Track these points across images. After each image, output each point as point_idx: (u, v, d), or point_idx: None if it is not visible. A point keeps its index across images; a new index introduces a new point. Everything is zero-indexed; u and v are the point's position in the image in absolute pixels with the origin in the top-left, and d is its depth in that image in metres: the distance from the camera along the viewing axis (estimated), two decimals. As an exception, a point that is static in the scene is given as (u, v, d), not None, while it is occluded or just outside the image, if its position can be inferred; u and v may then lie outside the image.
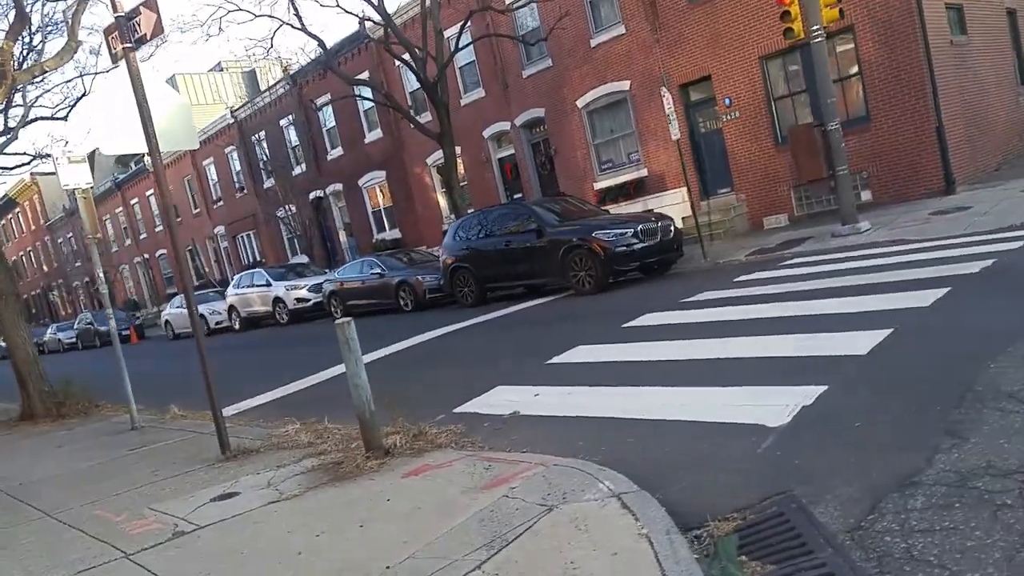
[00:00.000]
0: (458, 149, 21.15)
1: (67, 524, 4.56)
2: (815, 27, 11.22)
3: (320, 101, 24.83)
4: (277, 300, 19.27)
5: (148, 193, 38.28)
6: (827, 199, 14.27)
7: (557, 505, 3.42)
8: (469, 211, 16.13)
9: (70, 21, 9.27)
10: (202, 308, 22.67)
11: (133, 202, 40.19)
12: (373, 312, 16.19)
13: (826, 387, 4.39)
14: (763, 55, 14.52)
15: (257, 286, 20.17)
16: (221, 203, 33.12)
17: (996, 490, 2.81)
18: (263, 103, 28.20)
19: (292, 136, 27.96)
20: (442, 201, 22.50)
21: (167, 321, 24.76)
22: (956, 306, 5.64)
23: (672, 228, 11.83)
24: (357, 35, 18.59)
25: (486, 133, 20.57)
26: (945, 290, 6.11)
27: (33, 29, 11.79)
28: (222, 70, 41.47)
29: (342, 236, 27.39)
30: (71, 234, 46.34)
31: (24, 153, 23.45)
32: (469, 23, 17.20)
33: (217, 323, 22.04)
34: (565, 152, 18.82)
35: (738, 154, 15.35)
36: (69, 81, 54.66)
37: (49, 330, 36.02)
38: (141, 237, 40.40)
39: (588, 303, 10.66)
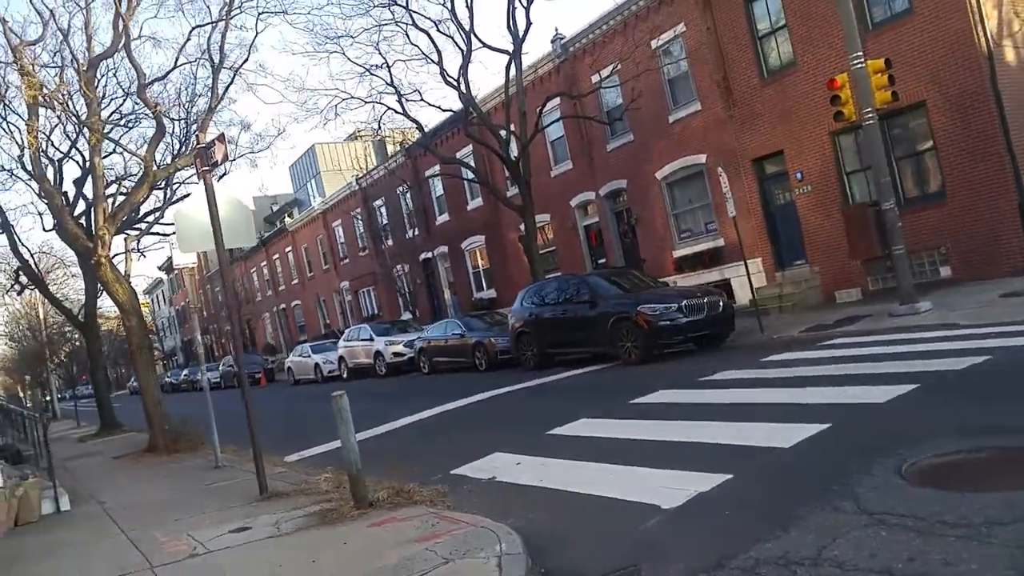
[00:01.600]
0: (547, 216, 22.55)
1: (130, 540, 5.93)
2: (867, 110, 11.45)
3: (428, 172, 27.09)
4: (378, 354, 21.08)
5: (287, 250, 42.52)
6: (913, 271, 14.00)
7: (455, 559, 4.27)
8: (547, 277, 17.15)
9: (195, 135, 11.46)
10: (318, 357, 25.09)
11: (275, 258, 44.69)
12: (454, 369, 17.46)
13: (731, 476, 4.94)
14: (833, 130, 14.64)
15: (362, 340, 22.14)
16: (347, 260, 36.22)
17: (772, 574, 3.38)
18: (383, 172, 30.98)
19: (407, 202, 30.46)
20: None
21: (289, 367, 27.41)
22: (903, 406, 5.92)
23: (721, 304, 12.23)
24: (455, 118, 20.42)
25: (573, 202, 21.68)
26: (912, 387, 6.35)
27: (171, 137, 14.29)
28: (356, 139, 45.55)
29: (447, 294, 29.25)
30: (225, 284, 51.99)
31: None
32: (559, 101, 18.53)
33: (329, 371, 24.20)
34: (646, 221, 19.50)
35: (811, 227, 15.42)
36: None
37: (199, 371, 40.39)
38: (280, 289, 44.69)
39: (627, 374, 11.27)
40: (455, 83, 17.80)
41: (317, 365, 24.71)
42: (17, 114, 12.85)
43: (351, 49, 17.61)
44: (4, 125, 13.06)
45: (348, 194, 34.30)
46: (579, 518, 4.85)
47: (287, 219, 43.61)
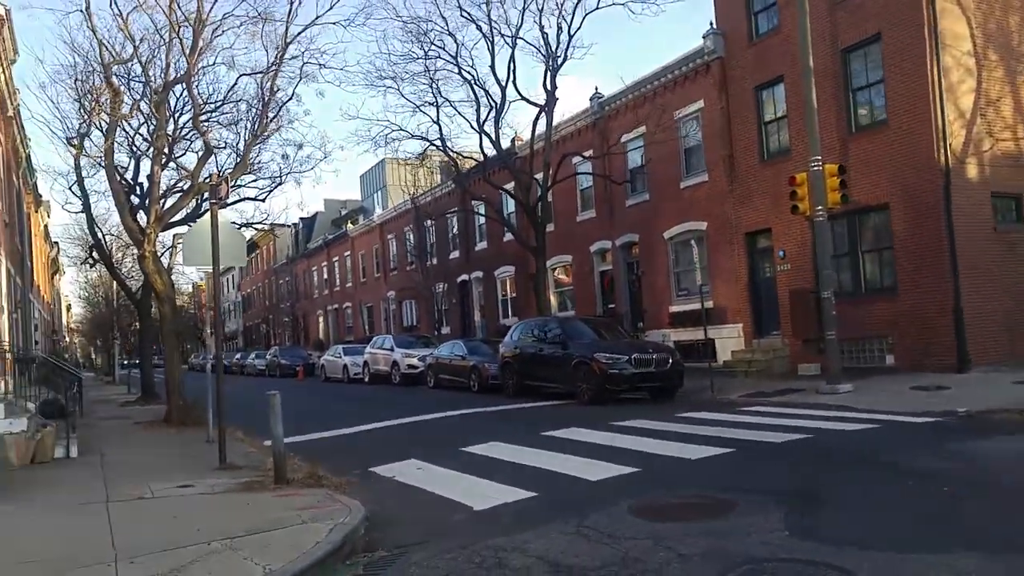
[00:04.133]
0: (569, 257, 24.29)
1: (105, 484, 7.96)
2: (819, 207, 12.78)
3: (473, 201, 29.19)
4: (395, 363, 23.14)
5: (346, 254, 45.49)
6: (859, 356, 15.10)
7: (308, 523, 6.03)
8: (560, 315, 18.82)
9: (241, 152, 13.78)
10: (347, 359, 27.37)
11: (335, 260, 47.76)
12: (454, 387, 19.30)
13: (536, 494, 6.59)
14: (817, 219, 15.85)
15: (384, 349, 24.27)
16: (395, 272, 38.71)
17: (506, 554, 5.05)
18: (436, 195, 33.31)
19: (453, 225, 32.68)
20: (552, 299, 25.41)
21: (322, 365, 29.85)
22: (702, 463, 7.41)
23: (670, 361, 13.67)
24: (495, 157, 22.29)
25: (592, 248, 23.31)
26: (728, 451, 7.80)
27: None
28: (423, 158, 48.17)
29: (477, 316, 31.20)
30: (287, 278, 55.61)
31: (231, 222, 30.15)
32: (591, 152, 20.33)
33: (355, 374, 26.40)
34: (651, 275, 20.94)
35: (786, 302, 16.58)
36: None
37: (250, 356, 43.57)
38: (335, 289, 47.68)
39: (572, 411, 12.83)
40: (487, 133, 19.80)
41: (345, 366, 26.97)
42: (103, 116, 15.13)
43: (406, 86, 19.99)
44: (91, 131, 15.53)
45: (404, 211, 36.82)
46: (418, 509, 6.58)
47: (350, 225, 46.57)
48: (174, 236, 20.07)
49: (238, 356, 46.19)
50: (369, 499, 6.89)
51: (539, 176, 20.19)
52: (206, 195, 13.31)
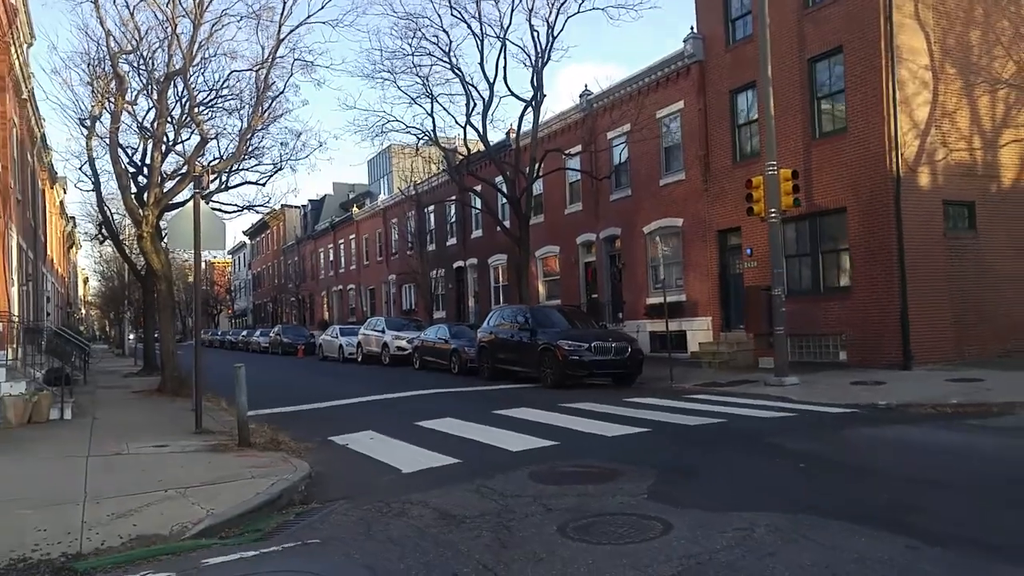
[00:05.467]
0: (557, 248, 25.14)
1: (89, 442, 8.97)
2: (772, 209, 13.54)
3: (472, 188, 30.02)
4: (385, 345, 24.15)
5: (351, 237, 46.53)
6: (816, 351, 15.89)
7: (256, 478, 6.99)
8: (550, 303, 19.70)
9: (235, 144, 14.75)
10: (343, 340, 28.43)
11: (340, 242, 48.83)
12: (437, 369, 20.27)
13: (460, 461, 7.52)
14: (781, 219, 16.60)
15: (376, 331, 25.29)
16: (396, 256, 39.71)
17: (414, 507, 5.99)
18: (436, 183, 34.18)
19: (451, 213, 33.57)
20: (540, 288, 26.31)
21: (320, 344, 30.94)
22: (616, 440, 8.30)
23: (629, 349, 14.54)
24: (481, 152, 23.12)
25: (578, 240, 24.13)
26: (644, 431, 8.69)
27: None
28: (430, 143, 48.94)
29: (471, 301, 32.14)
30: (295, 259, 56.80)
31: (234, 204, 31.05)
32: (579, 147, 21.15)
33: (349, 354, 27.46)
34: (631, 267, 21.75)
35: (753, 298, 17.34)
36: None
37: (256, 334, 44.83)
38: (340, 271, 48.79)
39: (533, 393, 13.76)
40: (475, 127, 20.62)
41: (340, 346, 28.04)
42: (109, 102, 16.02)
43: (402, 78, 20.73)
44: (102, 114, 16.45)
45: (406, 197, 37.72)
46: (357, 471, 7.53)
47: (355, 209, 47.56)
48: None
49: (244, 333, 47.45)
50: (318, 461, 7.86)
51: (528, 169, 21.00)
52: (207, 179, 14.28)
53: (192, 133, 17.52)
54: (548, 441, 8.32)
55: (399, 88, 23.67)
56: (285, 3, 14.38)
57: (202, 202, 10.04)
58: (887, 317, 14.32)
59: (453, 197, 31.69)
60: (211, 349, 50.19)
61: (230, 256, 79.11)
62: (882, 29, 14.02)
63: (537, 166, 20.51)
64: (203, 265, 62.87)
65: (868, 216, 14.65)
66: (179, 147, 17.67)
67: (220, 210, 23.09)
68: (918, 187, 14.50)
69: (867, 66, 14.37)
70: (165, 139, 15.20)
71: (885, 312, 14.35)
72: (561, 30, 20.56)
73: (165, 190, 14.58)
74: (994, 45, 15.35)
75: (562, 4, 18.79)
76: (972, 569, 3.93)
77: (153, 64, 16.36)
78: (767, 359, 16.83)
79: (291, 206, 61.15)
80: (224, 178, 20.25)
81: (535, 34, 19.79)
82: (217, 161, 18.52)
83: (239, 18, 15.22)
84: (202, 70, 17.60)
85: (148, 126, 16.25)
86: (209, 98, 17.76)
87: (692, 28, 18.98)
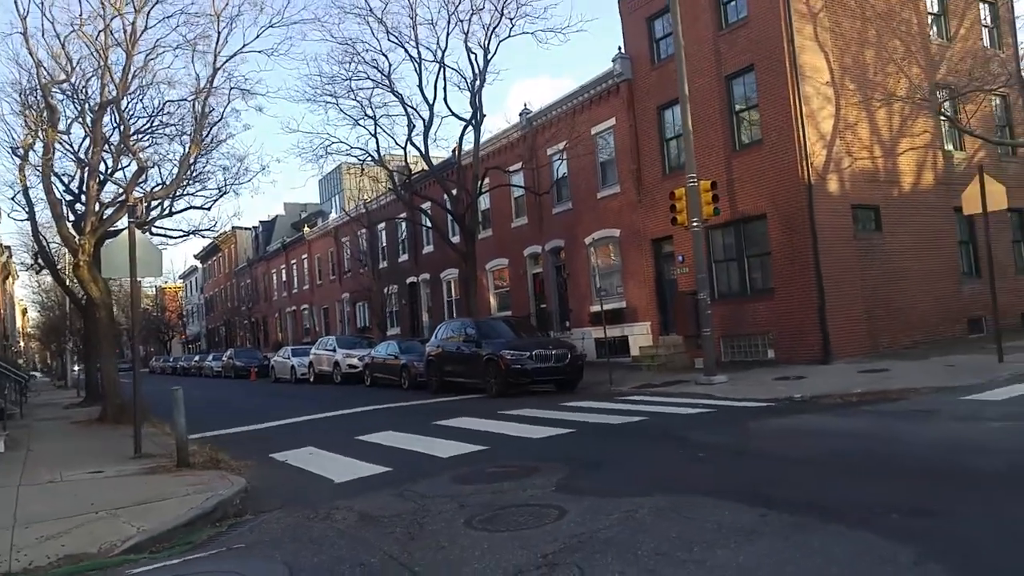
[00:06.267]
0: (506, 260, 25.75)
1: (23, 471, 9.12)
2: (694, 219, 14.33)
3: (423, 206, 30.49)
4: (336, 364, 24.35)
5: (303, 257, 46.46)
6: (746, 350, 16.73)
7: (192, 494, 7.30)
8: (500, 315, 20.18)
9: (175, 172, 14.95)
10: (295, 360, 28.50)
11: (293, 262, 48.68)
12: (388, 384, 20.59)
13: (390, 469, 7.95)
14: (708, 226, 17.45)
15: (327, 350, 25.48)
16: (349, 274, 39.82)
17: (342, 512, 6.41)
18: (385, 202, 34.52)
19: (403, 230, 33.94)
20: (492, 300, 26.85)
21: (272, 366, 30.90)
22: (542, 441, 8.85)
23: (569, 356, 15.15)
24: (424, 172, 23.62)
25: (525, 252, 24.78)
26: (569, 431, 9.26)
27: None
28: (389, 158, 49.24)
29: (425, 316, 32.50)
30: (248, 281, 56.31)
31: (179, 229, 31.00)
32: (521, 164, 21.82)
33: (301, 374, 27.55)
34: (575, 276, 22.46)
35: (685, 303, 18.15)
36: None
37: (208, 358, 44.34)
38: (294, 291, 48.61)
39: (476, 403, 14.23)
40: (417, 147, 21.15)
41: (292, 367, 28.11)
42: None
43: (343, 101, 21.16)
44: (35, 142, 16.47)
45: (356, 215, 37.94)
46: (292, 483, 7.91)
47: (307, 229, 47.52)
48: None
49: (197, 358, 46.86)
50: (256, 477, 8.21)
51: (466, 188, 21.55)
52: (142, 208, 14.45)
53: (131, 161, 17.62)
54: (479, 446, 8.81)
55: (341, 110, 23.91)
56: (220, 33, 14.71)
57: (137, 231, 10.31)
58: (807, 315, 15.22)
59: (403, 215, 32.11)
60: (163, 376, 49.48)
61: (181, 281, 77.85)
62: (786, 50, 15.03)
63: (479, 183, 21.09)
64: (152, 291, 61.85)
65: (786, 222, 15.58)
66: (119, 174, 17.78)
67: (165, 236, 23.07)
68: (828, 193, 15.50)
69: (776, 83, 15.36)
70: (104, 167, 15.32)
71: (805, 311, 15.26)
72: (494, 54, 21.24)
73: (103, 217, 14.68)
74: (887, 63, 16.53)
75: (494, 28, 19.46)
76: (803, 527, 4.56)
77: (87, 93, 16.48)
78: (701, 360, 17.65)
79: (242, 228, 60.81)
80: (167, 204, 20.30)
81: (472, 56, 20.44)
82: (159, 187, 18.65)
83: (174, 47, 15.37)
84: (140, 97, 17.72)
85: (84, 155, 16.33)
86: (147, 125, 17.89)
87: (620, 48, 19.85)
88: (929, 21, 18.51)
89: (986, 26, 20.09)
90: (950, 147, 18.47)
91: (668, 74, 18.40)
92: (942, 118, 16.01)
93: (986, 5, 19.98)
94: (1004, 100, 20.12)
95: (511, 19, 19.20)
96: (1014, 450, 6.76)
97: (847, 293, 15.41)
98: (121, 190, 18.18)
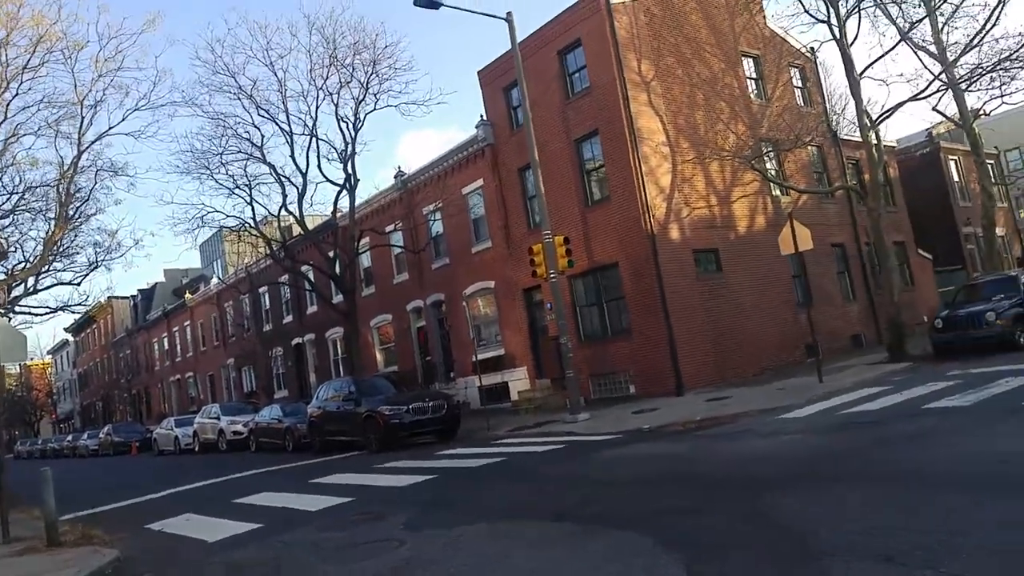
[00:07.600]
0: (389, 316, 26.37)
1: None
2: (552, 271, 15.71)
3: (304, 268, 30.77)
4: (221, 431, 24.01)
5: (186, 324, 45.06)
6: (611, 387, 18.16)
7: (61, 570, 7.60)
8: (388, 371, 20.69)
9: (40, 250, 14.92)
10: (178, 431, 27.73)
11: (175, 330, 47.03)
12: (272, 448, 20.59)
13: (262, 525, 8.49)
14: (571, 275, 18.99)
15: (211, 418, 25.08)
16: (233, 339, 39.06)
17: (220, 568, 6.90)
18: (266, 264, 34.44)
19: (286, 291, 33.92)
20: (378, 355, 27.35)
21: (155, 439, 29.83)
22: (405, 488, 9.64)
23: (445, 407, 15.99)
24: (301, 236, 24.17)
25: (408, 307, 25.57)
26: (433, 477, 10.10)
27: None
28: (265, 223, 48.81)
29: (312, 377, 32.40)
30: (127, 351, 53.66)
31: (46, 306, 29.82)
32: (399, 223, 22.79)
33: (186, 444, 26.83)
34: (457, 328, 23.44)
35: (553, 347, 19.50)
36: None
37: (83, 437, 41.80)
38: (177, 360, 46.85)
39: (355, 459, 14.77)
40: (293, 214, 21.73)
41: (176, 438, 27.33)
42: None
43: (218, 172, 21.51)
44: None
45: (239, 279, 37.50)
46: (166, 548, 8.29)
47: (188, 295, 46.22)
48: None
49: (69, 438, 44.08)
50: (130, 547, 8.51)
51: (341, 248, 22.27)
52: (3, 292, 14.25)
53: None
54: (347, 498, 9.47)
55: (216, 180, 24.17)
56: (84, 117, 14.98)
57: (2, 319, 10.43)
58: (660, 353, 16.85)
59: (284, 277, 32.20)
60: (29, 461, 45.98)
61: (50, 356, 72.85)
62: (624, 116, 16.96)
63: (357, 244, 21.86)
64: (16, 370, 57.40)
65: (635, 268, 17.29)
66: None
67: (30, 313, 22.30)
68: (670, 241, 17.38)
69: (617, 145, 17.23)
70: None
71: (658, 348, 16.88)
72: (363, 124, 22.33)
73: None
74: (716, 122, 18.86)
75: (360, 101, 20.57)
76: (590, 532, 5.64)
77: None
78: (574, 400, 18.94)
79: (119, 297, 58.12)
80: (32, 281, 19.81)
81: (343, 125, 21.44)
82: (23, 266, 18.27)
83: (35, 129, 15.35)
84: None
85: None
86: (9, 204, 17.63)
87: (481, 116, 21.44)
88: (750, 85, 21.20)
89: (798, 87, 23.15)
90: (777, 193, 21.02)
91: (525, 139, 20.06)
92: (756, 172, 18.30)
93: (795, 69, 23.07)
94: (819, 150, 23.14)
95: (375, 95, 20.41)
96: (789, 458, 8.21)
97: (694, 329, 17.20)
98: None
